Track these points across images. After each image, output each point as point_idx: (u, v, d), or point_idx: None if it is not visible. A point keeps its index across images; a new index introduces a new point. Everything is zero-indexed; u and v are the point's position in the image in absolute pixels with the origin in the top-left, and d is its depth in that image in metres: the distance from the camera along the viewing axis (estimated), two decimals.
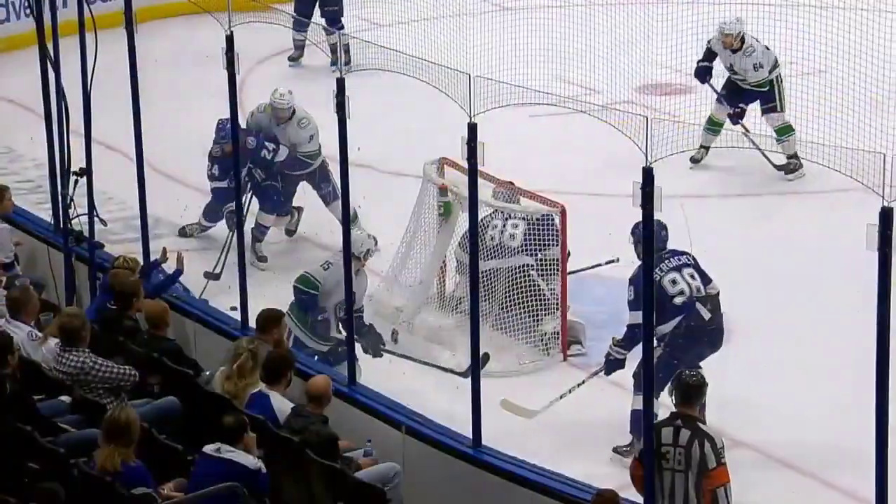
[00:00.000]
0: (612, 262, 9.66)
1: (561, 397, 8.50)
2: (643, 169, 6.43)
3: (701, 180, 10.87)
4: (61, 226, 9.56)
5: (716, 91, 11.47)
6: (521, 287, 9.62)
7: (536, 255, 9.66)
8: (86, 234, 9.38)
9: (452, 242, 9.90)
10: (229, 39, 8.40)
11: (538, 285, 9.63)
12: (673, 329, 8.41)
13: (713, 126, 11.19)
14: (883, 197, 5.84)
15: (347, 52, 8.44)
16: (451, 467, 7.62)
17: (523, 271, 9.67)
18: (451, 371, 9.07)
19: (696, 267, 8.57)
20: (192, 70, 13.24)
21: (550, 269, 9.60)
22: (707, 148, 11.14)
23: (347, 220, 8.35)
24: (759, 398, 8.94)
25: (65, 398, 7.41)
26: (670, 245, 8.57)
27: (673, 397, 6.87)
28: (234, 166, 8.96)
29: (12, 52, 13.97)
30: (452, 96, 7.25)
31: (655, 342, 7.87)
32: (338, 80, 7.93)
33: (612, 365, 8.56)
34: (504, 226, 9.72)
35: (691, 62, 11.88)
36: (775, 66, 11.35)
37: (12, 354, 7.35)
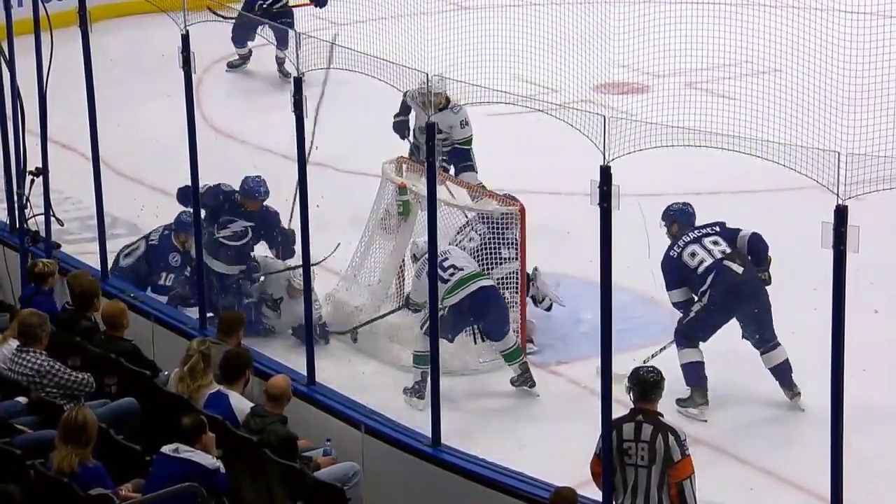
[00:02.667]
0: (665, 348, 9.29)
1: (644, 362, 8.59)
2: (601, 167, 6.46)
3: (659, 179, 10.90)
4: (17, 226, 9.51)
5: (412, 153, 11.00)
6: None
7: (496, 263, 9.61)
8: (42, 234, 9.33)
9: (411, 241, 9.90)
10: (185, 38, 8.38)
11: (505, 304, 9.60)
12: (709, 290, 8.76)
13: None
14: (838, 195, 5.90)
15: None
16: (410, 466, 7.63)
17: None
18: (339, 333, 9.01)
19: (722, 233, 8.95)
20: (147, 69, 13.19)
21: (509, 279, 9.57)
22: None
23: (306, 221, 8.32)
24: (715, 395, 9.00)
25: (21, 399, 7.37)
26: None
27: (631, 394, 6.91)
28: (192, 171, 8.90)
29: None
30: (410, 95, 7.27)
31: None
32: (294, 79, 7.93)
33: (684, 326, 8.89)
34: (465, 231, 9.69)
35: (649, 61, 11.93)
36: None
37: None
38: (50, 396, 7.42)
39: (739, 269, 8.83)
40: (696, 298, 8.86)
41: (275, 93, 12.33)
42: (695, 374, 8.76)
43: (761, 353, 8.87)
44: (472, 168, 10.96)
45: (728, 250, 8.90)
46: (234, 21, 12.43)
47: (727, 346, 9.14)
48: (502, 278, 9.43)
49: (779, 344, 8.85)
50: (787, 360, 8.85)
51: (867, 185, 5.90)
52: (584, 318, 9.71)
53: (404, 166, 10.04)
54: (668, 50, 11.51)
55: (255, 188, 9.82)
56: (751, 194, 11.26)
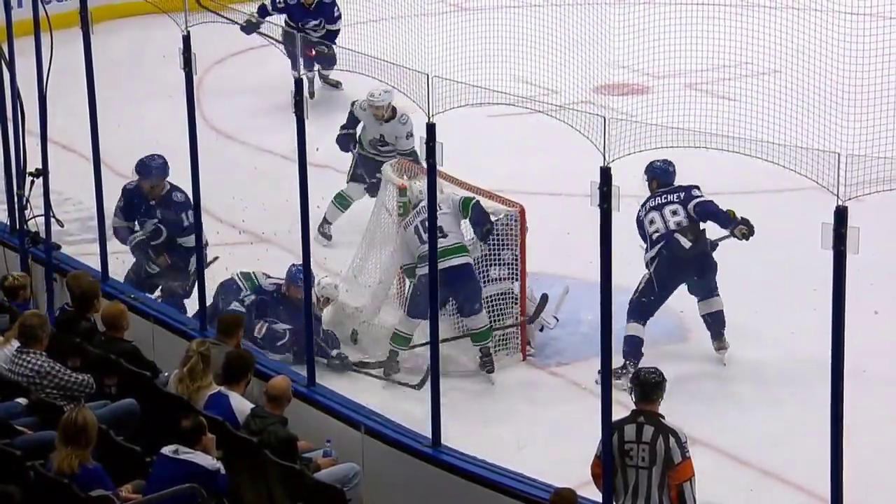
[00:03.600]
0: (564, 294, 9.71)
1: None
2: (601, 168, 6.45)
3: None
4: (17, 227, 9.51)
5: (358, 164, 11.07)
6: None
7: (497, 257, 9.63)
8: (42, 235, 9.33)
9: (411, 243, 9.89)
10: (186, 39, 8.38)
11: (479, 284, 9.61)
12: (654, 257, 9.22)
13: (343, 201, 10.97)
14: (838, 196, 5.89)
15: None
16: (410, 467, 7.63)
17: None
18: (406, 385, 9.08)
19: (685, 200, 9.32)
20: (148, 70, 13.19)
21: (511, 270, 9.60)
22: (330, 223, 10.93)
23: (307, 218, 8.30)
24: (716, 396, 8.99)
25: (21, 400, 7.36)
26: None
27: (633, 395, 6.90)
28: (192, 176, 8.89)
29: None
30: (411, 96, 7.26)
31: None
32: (296, 80, 7.92)
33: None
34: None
35: (649, 63, 11.93)
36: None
37: None
38: (50, 397, 7.42)
39: (687, 245, 9.20)
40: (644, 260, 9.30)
41: (276, 94, 12.31)
42: (634, 347, 9.10)
43: (699, 301, 9.31)
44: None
45: (684, 223, 9.27)
46: (239, 25, 12.31)
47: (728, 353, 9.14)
48: (498, 294, 9.46)
49: (718, 295, 9.28)
50: (721, 311, 9.26)
51: (867, 186, 5.90)
52: (584, 318, 9.71)
53: (405, 168, 10.04)
54: (668, 51, 11.53)
55: (147, 163, 9.59)
56: (751, 195, 11.25)
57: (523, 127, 11.34)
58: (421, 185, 9.27)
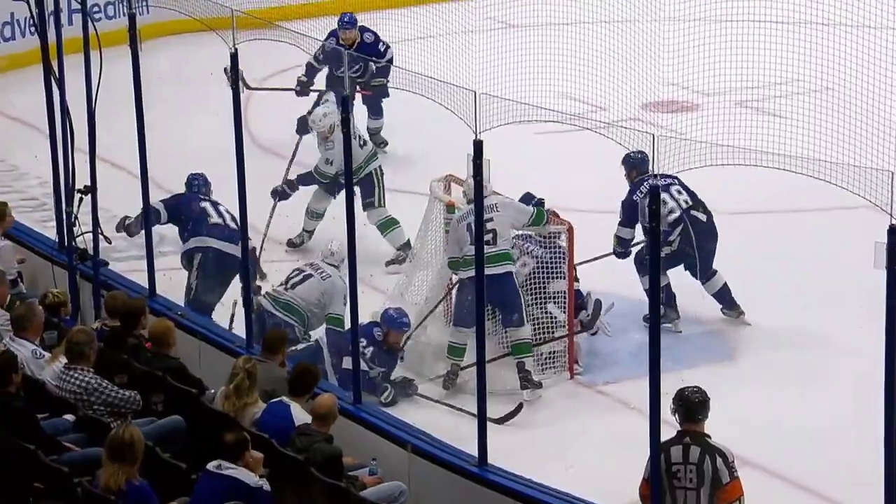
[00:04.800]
0: (609, 308, 9.69)
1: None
2: (649, 186, 6.42)
3: (707, 198, 10.85)
4: (65, 244, 9.58)
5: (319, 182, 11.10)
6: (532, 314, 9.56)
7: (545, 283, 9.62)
8: (90, 251, 9.39)
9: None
10: (234, 57, 8.42)
11: (550, 314, 9.59)
12: (678, 239, 9.66)
13: (315, 215, 11.06)
14: (891, 215, 5.84)
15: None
16: (457, 486, 7.61)
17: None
18: (493, 420, 9.00)
19: (681, 183, 9.73)
20: (196, 87, 13.27)
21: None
22: (310, 232, 11.00)
23: (353, 240, 8.29)
24: (765, 415, 8.93)
25: (68, 417, 7.41)
26: None
27: (676, 416, 6.86)
28: (239, 192, 8.92)
29: (17, 71, 14.00)
30: (458, 113, 7.26)
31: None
32: (343, 97, 7.94)
33: (619, 256, 10.04)
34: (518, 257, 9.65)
35: (698, 79, 11.89)
36: (373, 157, 11.04)
37: (16, 373, 7.35)
38: (97, 414, 7.46)
39: (704, 217, 9.79)
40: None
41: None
42: (665, 294, 9.52)
43: (703, 283, 9.82)
44: (373, 206, 10.94)
45: (689, 200, 9.76)
46: (283, 42, 12.34)
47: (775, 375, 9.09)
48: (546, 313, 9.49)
49: (716, 272, 9.82)
50: (725, 283, 9.76)
51: None
52: (632, 336, 9.67)
53: (453, 185, 10.04)
54: (718, 68, 11.48)
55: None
56: (801, 213, 11.19)
57: (570, 144, 11.28)
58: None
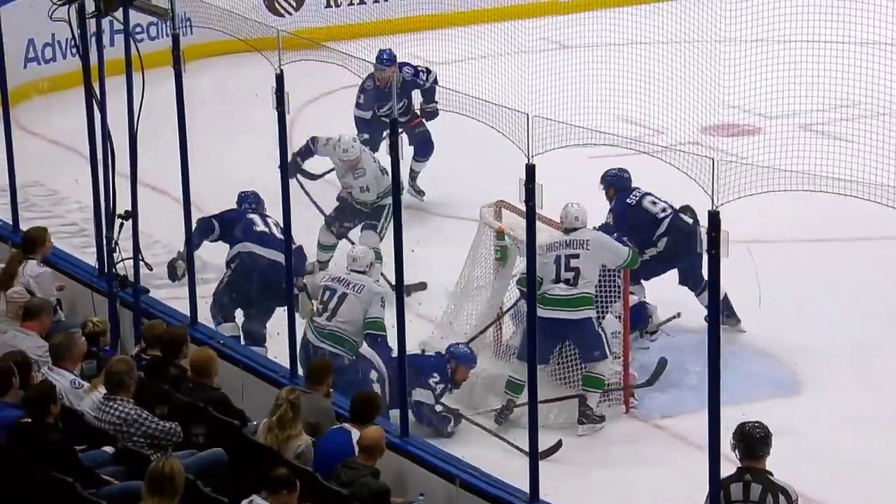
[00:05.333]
0: (674, 317, 9.95)
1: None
2: (709, 213, 6.42)
3: (770, 225, 10.84)
4: (105, 270, 9.65)
5: (320, 210, 11.36)
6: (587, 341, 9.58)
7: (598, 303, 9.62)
8: (130, 278, 9.46)
9: (510, 288, 9.90)
10: (279, 78, 8.48)
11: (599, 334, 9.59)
12: (665, 236, 10.07)
13: (325, 247, 11.17)
14: None
15: None
16: None
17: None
18: (522, 450, 9.01)
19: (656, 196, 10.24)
20: (240, 109, 13.36)
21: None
22: (324, 262, 11.05)
23: (401, 265, 8.33)
24: (831, 452, 8.87)
25: (108, 449, 7.46)
26: None
27: (736, 452, 6.82)
28: (284, 216, 8.97)
29: (58, 93, 14.16)
30: (510, 136, 7.28)
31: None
32: (392, 120, 7.99)
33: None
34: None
35: (760, 102, 11.86)
36: (387, 193, 11.02)
37: (55, 403, 7.40)
38: (137, 446, 7.50)
39: (690, 220, 10.10)
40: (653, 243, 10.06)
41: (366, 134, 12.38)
42: (637, 312, 9.75)
43: (697, 295, 10.04)
44: (374, 228, 11.02)
45: (668, 208, 10.17)
46: (330, 63, 12.40)
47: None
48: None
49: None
50: (725, 294, 9.62)
51: None
52: (690, 369, 9.64)
53: (503, 210, 10.06)
54: (781, 90, 11.45)
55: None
56: (868, 241, 11.14)
57: (627, 168, 11.30)
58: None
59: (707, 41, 12.03)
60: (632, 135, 10.73)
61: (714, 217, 6.41)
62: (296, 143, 11.68)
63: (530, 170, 7.22)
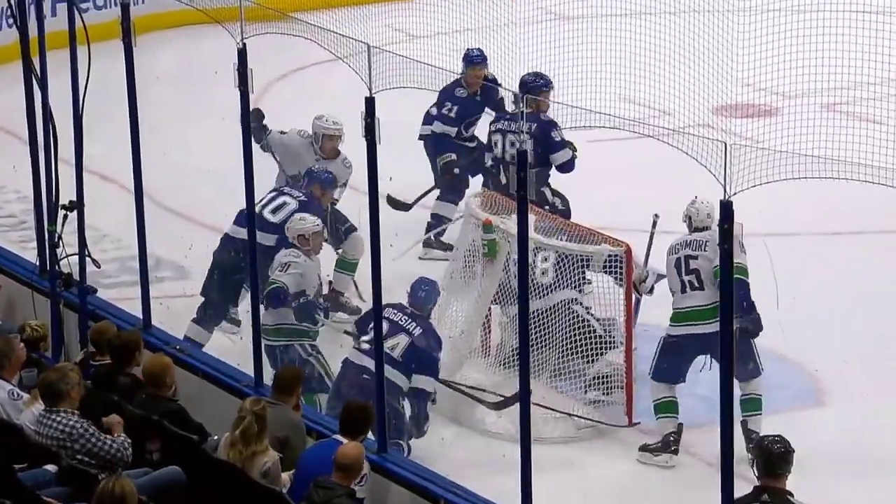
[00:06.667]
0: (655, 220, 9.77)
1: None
2: (721, 202, 6.42)
3: (789, 216, 10.87)
4: (48, 267, 9.64)
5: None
6: (571, 329, 9.62)
7: (579, 286, 9.66)
8: (76, 276, 9.44)
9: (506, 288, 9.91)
10: (241, 53, 8.47)
11: (589, 325, 9.62)
12: None
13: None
14: None
15: None
16: None
17: (568, 309, 9.68)
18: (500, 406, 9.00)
19: None
20: (199, 88, 13.35)
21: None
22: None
23: (378, 258, 8.33)
24: (854, 469, 8.89)
25: (50, 467, 7.44)
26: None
27: (755, 468, 6.84)
28: (248, 205, 8.98)
29: None
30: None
31: None
32: (367, 99, 7.97)
33: None
34: (534, 261, 9.74)
35: (778, 80, 11.87)
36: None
37: None
38: (83, 464, 7.48)
39: None
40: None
41: (342, 115, 12.38)
42: None
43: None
44: (354, 231, 10.74)
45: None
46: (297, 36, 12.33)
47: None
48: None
49: None
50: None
51: None
52: (701, 377, 9.64)
53: (492, 200, 10.06)
54: (802, 66, 11.45)
55: None
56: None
57: (630, 153, 11.31)
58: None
59: (719, 11, 12.04)
60: (636, 116, 10.73)
61: (727, 207, 6.41)
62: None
63: (521, 155, 7.22)
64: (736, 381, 9.02)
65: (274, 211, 10.24)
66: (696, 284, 9.16)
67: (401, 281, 9.59)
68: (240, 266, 9.97)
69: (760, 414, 9.12)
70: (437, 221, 11.42)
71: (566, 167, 10.84)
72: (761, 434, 8.73)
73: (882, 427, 9.27)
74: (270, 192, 10.39)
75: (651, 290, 9.63)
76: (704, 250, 9.23)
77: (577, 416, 9.39)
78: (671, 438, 9.05)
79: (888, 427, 9.26)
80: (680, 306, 9.19)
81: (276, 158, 11.01)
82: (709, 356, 9.09)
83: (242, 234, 9.74)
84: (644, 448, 9.08)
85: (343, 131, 10.77)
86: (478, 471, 8.89)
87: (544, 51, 11.78)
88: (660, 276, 9.93)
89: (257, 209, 9.93)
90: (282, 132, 11.07)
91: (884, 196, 6.60)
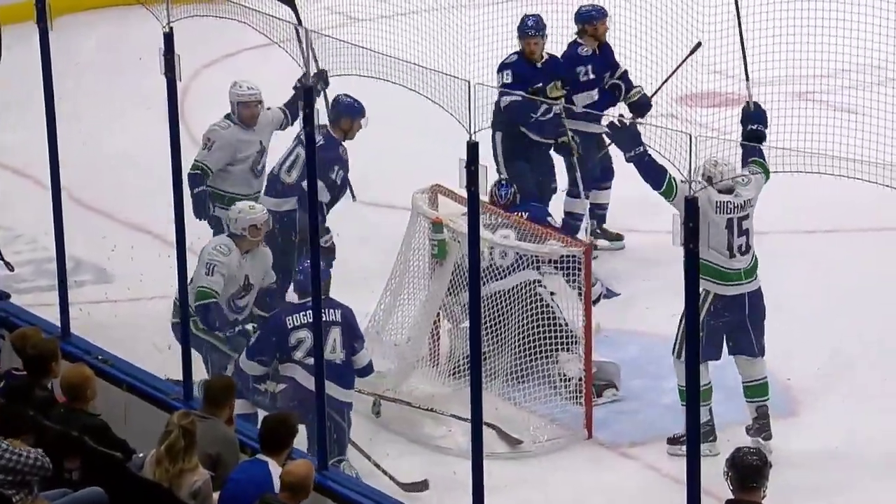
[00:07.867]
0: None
1: None
2: (686, 199, 6.46)
3: (760, 213, 10.90)
4: None
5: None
6: (533, 314, 9.70)
7: (539, 267, 9.74)
8: None
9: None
10: (168, 37, 8.46)
11: (553, 313, 9.68)
12: None
13: None
14: None
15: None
16: None
17: (530, 290, 9.74)
18: (398, 484, 9.01)
19: None
20: (123, 75, 13.31)
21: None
22: None
23: (317, 257, 8.34)
24: (834, 482, 8.96)
25: None
26: None
27: (729, 482, 6.87)
28: (175, 200, 8.97)
29: None
30: (448, 108, 7.29)
31: None
32: (304, 88, 7.98)
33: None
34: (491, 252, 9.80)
35: (747, 66, 11.94)
36: None
37: None
38: None
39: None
40: None
41: (275, 105, 12.39)
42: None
43: None
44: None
45: None
46: (228, 19, 12.27)
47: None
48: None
49: None
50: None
51: None
52: (666, 387, 9.70)
53: (440, 197, 10.08)
54: (773, 51, 11.52)
55: None
56: (883, 232, 11.28)
57: None
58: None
59: None
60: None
61: (692, 204, 6.44)
62: (188, 114, 11.64)
63: (473, 148, 7.24)
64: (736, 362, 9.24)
65: (289, 169, 10.26)
66: (744, 248, 9.24)
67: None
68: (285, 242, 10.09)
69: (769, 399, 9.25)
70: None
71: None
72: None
73: (858, 437, 9.35)
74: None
75: (596, 301, 9.71)
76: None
77: (531, 443, 9.43)
78: (706, 428, 9.03)
79: (865, 437, 9.35)
80: (727, 266, 9.19)
81: (262, 145, 10.83)
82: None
83: (271, 204, 10.04)
84: (673, 440, 9.16)
85: (261, 97, 10.70)
86: (428, 490, 8.92)
87: (491, 34, 11.83)
88: (610, 293, 10.04)
89: (276, 172, 10.20)
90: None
91: (861, 192, 6.65)
